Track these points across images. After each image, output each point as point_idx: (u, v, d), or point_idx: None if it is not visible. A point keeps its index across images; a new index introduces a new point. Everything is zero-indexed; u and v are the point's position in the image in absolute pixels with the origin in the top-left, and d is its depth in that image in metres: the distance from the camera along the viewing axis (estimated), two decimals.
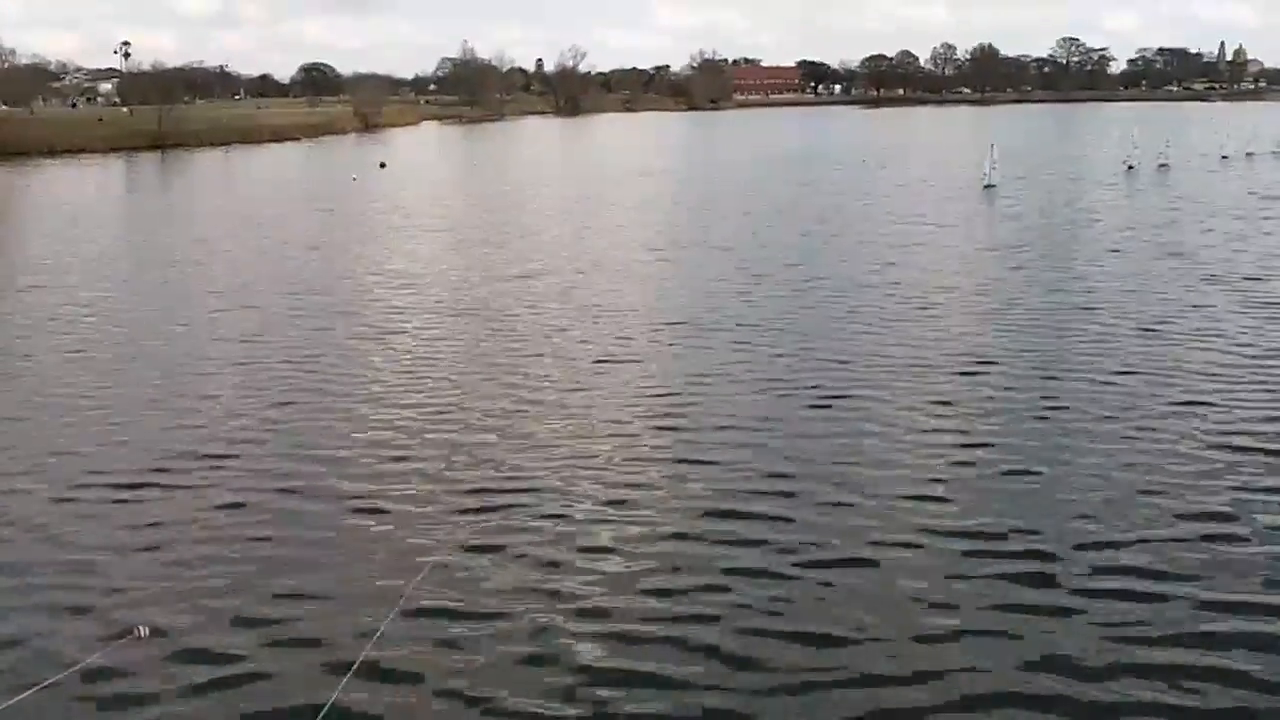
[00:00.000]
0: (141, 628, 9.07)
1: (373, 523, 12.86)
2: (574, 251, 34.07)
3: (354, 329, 23.72)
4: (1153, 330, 21.45)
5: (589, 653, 9.84)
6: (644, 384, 18.51)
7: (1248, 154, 65.86)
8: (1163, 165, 58.11)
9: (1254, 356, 19.13)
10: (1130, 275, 27.45)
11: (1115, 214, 40.32)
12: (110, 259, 36.19)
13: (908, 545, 11.71)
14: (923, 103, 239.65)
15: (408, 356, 21.02)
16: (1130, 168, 57.79)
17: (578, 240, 36.81)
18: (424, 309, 25.70)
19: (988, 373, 18.56)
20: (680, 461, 14.64)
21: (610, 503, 13.23)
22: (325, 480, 14.32)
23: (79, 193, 66.42)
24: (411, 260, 33.84)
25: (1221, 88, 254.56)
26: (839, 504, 12.86)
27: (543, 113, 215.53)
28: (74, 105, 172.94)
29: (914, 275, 28.04)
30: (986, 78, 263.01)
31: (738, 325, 22.49)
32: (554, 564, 11.58)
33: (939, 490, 13.19)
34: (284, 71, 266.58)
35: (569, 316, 24.19)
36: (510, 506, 13.16)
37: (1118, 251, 31.55)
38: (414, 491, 13.77)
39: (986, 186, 49.30)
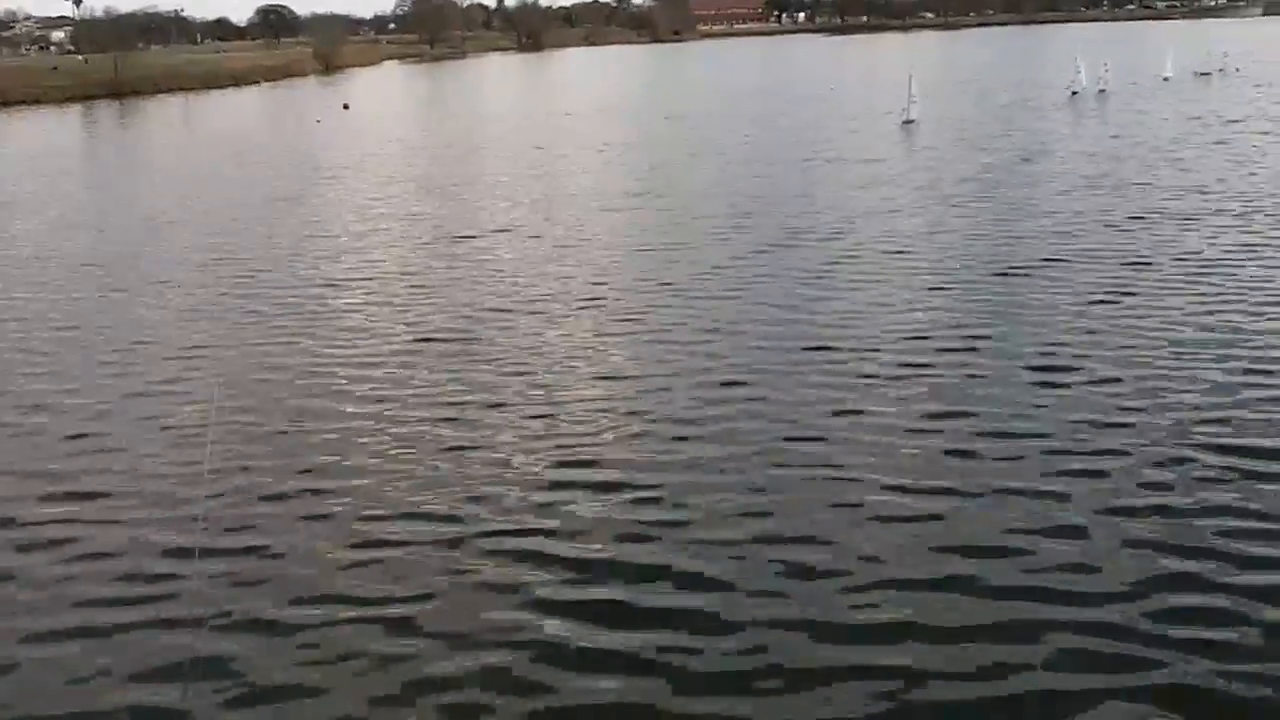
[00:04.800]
0: None
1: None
2: (528, 195, 34.62)
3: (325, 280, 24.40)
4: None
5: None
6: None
7: (1198, 74, 66.28)
8: (1102, 90, 58.22)
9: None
10: (1035, 218, 26.96)
11: (1044, 146, 39.97)
12: (66, 214, 36.64)
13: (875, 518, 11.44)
14: (886, 28, 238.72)
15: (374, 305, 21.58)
16: (1074, 93, 58.18)
17: (535, 184, 37.22)
18: (384, 260, 26.24)
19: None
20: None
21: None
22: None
23: (38, 144, 66.44)
24: (375, 206, 34.40)
25: (1183, 5, 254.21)
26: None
27: (505, 49, 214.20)
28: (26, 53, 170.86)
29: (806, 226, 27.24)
30: (949, 2, 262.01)
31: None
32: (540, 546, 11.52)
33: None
34: (241, 14, 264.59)
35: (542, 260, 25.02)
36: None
37: (1031, 185, 31.36)
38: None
39: (905, 123, 48.02)
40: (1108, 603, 9.60)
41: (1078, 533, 10.81)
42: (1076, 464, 12.33)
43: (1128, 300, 18.92)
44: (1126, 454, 12.52)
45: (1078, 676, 8.64)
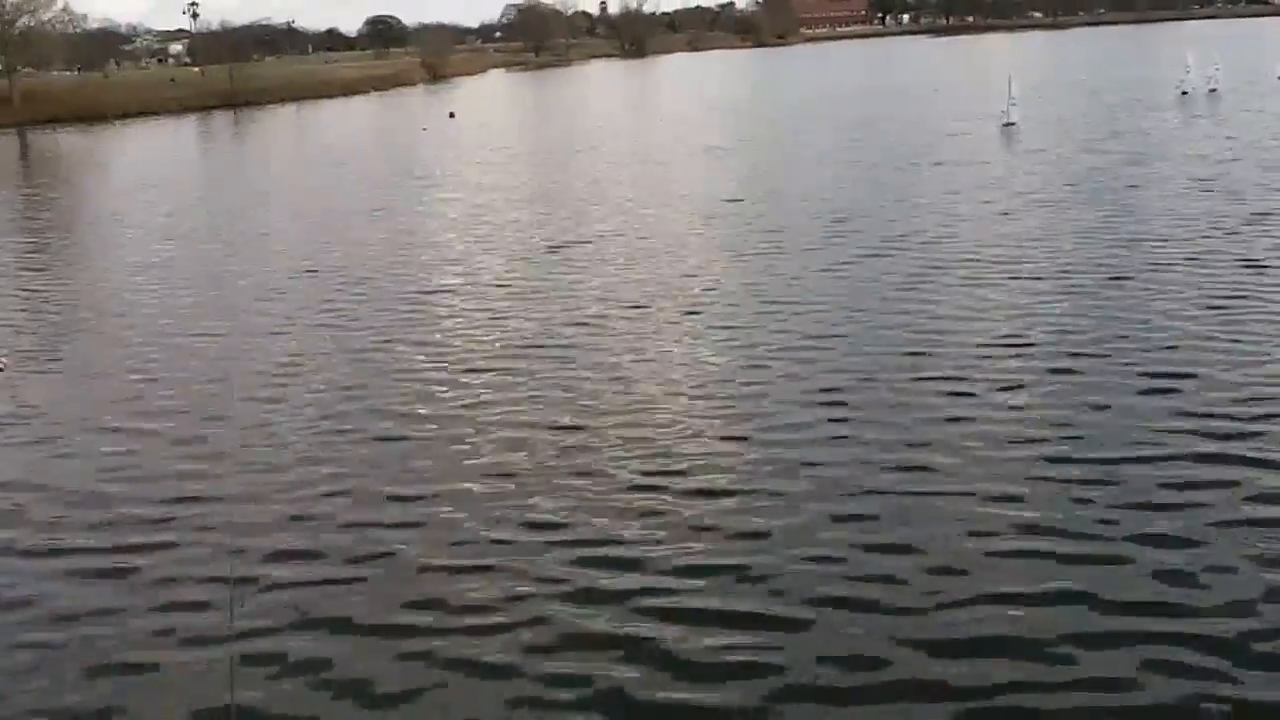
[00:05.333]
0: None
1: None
2: (637, 201, 34.89)
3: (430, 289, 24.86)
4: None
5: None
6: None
7: None
8: (1212, 90, 56.77)
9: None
10: (1144, 222, 26.49)
11: (1151, 147, 39.15)
12: (178, 220, 37.77)
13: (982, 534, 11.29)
14: (992, 29, 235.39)
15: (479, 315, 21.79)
16: (1184, 93, 56.85)
17: (639, 192, 37.45)
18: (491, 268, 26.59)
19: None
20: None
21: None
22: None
23: (157, 154, 68.44)
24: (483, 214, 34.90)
25: None
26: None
27: (608, 56, 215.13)
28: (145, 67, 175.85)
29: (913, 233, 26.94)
30: (1058, 1, 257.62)
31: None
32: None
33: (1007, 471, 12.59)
34: (351, 25, 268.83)
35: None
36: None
37: (1135, 188, 30.76)
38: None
39: (1005, 125, 47.14)
40: (1216, 616, 9.39)
41: (1190, 545, 10.58)
42: (1189, 474, 12.08)
43: (1242, 305, 18.53)
44: (1244, 463, 12.24)
45: (1183, 692, 8.52)
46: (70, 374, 19.12)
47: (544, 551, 11.29)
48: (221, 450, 14.73)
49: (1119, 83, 70.18)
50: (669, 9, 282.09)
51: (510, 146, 57.84)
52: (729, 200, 33.52)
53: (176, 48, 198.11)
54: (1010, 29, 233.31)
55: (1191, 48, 65.22)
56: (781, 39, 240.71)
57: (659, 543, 11.33)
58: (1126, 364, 15.91)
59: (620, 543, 11.39)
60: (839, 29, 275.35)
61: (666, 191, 36.65)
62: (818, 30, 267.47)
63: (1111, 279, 20.90)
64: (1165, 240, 24.02)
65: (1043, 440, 13.32)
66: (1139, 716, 8.36)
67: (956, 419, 14.24)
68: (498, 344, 19.25)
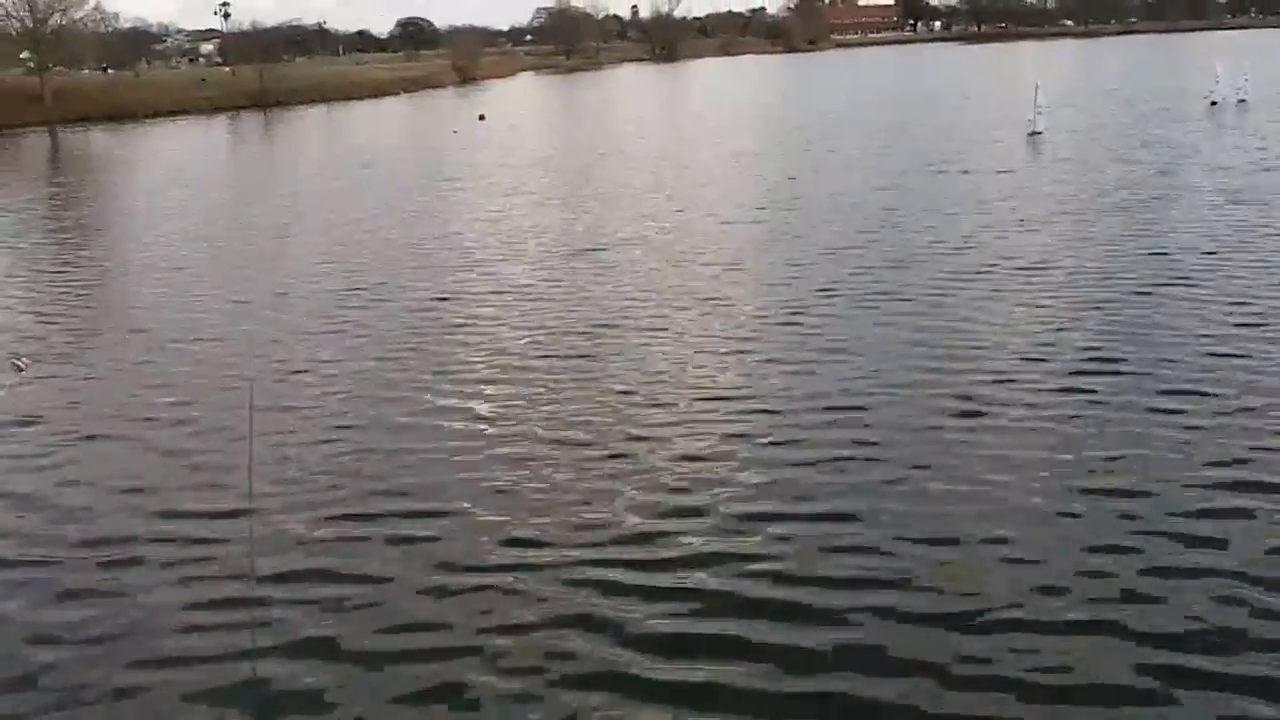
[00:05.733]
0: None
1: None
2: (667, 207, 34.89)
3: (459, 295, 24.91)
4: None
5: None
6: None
7: None
8: (1241, 100, 56.35)
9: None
10: (1168, 234, 26.31)
11: (1178, 158, 38.78)
12: (206, 222, 37.96)
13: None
14: (1023, 37, 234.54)
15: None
16: (1213, 103, 56.48)
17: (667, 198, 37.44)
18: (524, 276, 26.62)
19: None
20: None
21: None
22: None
23: (186, 154, 68.85)
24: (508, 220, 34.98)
25: None
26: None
27: (639, 60, 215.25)
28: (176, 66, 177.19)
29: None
30: (1090, 9, 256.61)
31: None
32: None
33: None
34: (381, 26, 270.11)
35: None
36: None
37: (1161, 199, 30.52)
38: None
39: (1032, 134, 46.86)
40: (1253, 651, 9.18)
41: (1221, 576, 10.31)
42: (1222, 500, 11.79)
43: (1269, 318, 18.38)
44: (1269, 488, 11.98)
45: None
46: (88, 378, 19.08)
47: (538, 570, 11.16)
48: (234, 460, 14.26)
49: (1148, 92, 69.86)
50: (700, 14, 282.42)
51: (539, 149, 57.92)
52: (757, 207, 33.42)
53: (208, 48, 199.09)
54: (1041, 37, 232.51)
55: (1221, 57, 64.74)
56: (812, 45, 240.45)
57: (664, 566, 11.11)
58: (1153, 380, 15.69)
59: (624, 565, 11.18)
60: (870, 35, 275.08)
61: (694, 196, 36.55)
62: (848, 36, 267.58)
63: (1136, 292, 20.67)
64: (1189, 251, 23.84)
65: (1064, 461, 13.10)
66: None
67: (976, 429, 14.13)
68: (515, 351, 19.17)
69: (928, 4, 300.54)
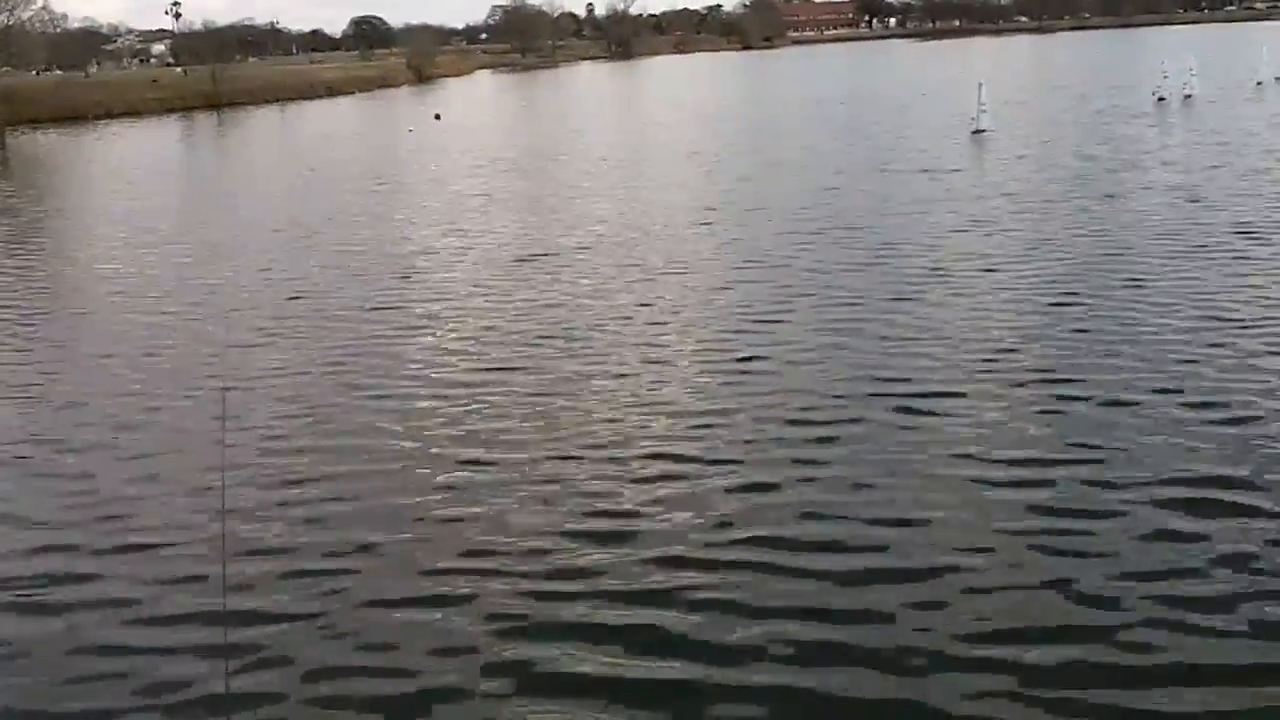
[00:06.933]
0: None
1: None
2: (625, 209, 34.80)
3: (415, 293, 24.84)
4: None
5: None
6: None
7: (1276, 78, 63.57)
8: (1188, 96, 56.76)
9: None
10: (1109, 233, 26.34)
11: (1121, 156, 38.77)
12: (153, 224, 37.60)
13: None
14: (978, 33, 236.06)
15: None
16: (1160, 99, 56.95)
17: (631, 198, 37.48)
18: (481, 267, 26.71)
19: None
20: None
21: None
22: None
23: (134, 156, 68.26)
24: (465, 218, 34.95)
25: None
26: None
27: (595, 58, 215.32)
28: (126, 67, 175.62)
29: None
30: (1044, 5, 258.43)
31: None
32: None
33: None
34: (335, 26, 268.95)
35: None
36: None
37: (1111, 197, 30.55)
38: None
39: (975, 133, 46.69)
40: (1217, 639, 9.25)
41: (1184, 575, 10.29)
42: (1178, 491, 11.89)
43: (1215, 315, 18.43)
44: (1249, 486, 11.99)
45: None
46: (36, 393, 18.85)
47: (490, 592, 10.97)
48: (175, 475, 14.35)
49: (1095, 88, 70.29)
50: (656, 11, 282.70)
51: (494, 149, 57.72)
52: (706, 208, 33.37)
53: (159, 48, 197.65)
54: (996, 33, 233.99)
55: (1171, 53, 65.17)
56: (768, 42, 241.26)
57: (621, 599, 10.63)
58: (1108, 384, 15.51)
59: (561, 598, 10.76)
60: (826, 32, 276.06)
61: (646, 200, 36.46)
62: (805, 33, 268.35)
63: (1068, 293, 20.58)
64: (1127, 249, 23.96)
65: (1019, 457, 13.13)
66: None
67: (929, 435, 14.01)
68: (462, 358, 18.97)
69: (884, 1, 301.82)
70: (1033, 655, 9.21)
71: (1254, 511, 11.39)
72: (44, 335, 22.79)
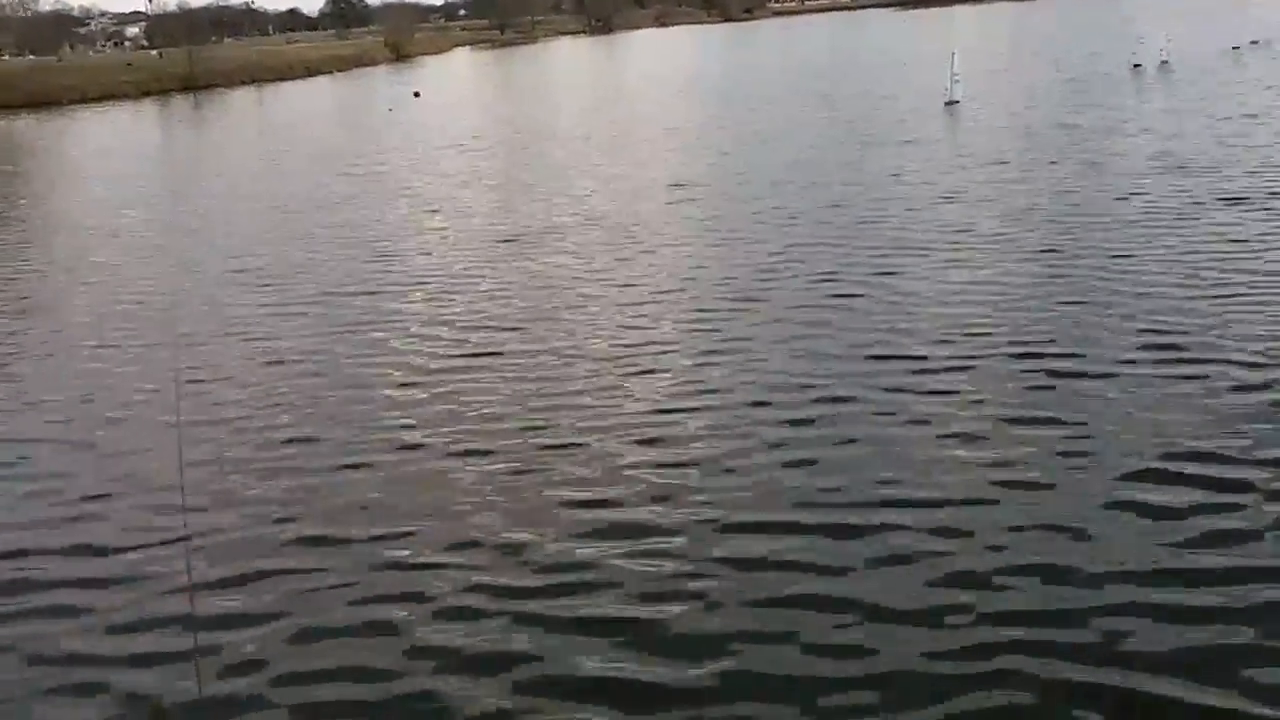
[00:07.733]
0: None
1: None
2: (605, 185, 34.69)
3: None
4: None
5: None
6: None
7: (1251, 42, 63.22)
8: (1164, 62, 56.22)
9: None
10: (1083, 202, 26.22)
11: (1097, 124, 38.42)
12: (130, 208, 37.26)
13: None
14: (961, 1, 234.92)
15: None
16: (1136, 65, 56.50)
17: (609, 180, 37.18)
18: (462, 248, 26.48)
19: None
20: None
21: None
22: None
23: (109, 140, 67.75)
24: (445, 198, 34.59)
25: None
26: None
27: (575, 33, 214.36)
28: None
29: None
30: None
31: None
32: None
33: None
34: (312, 5, 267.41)
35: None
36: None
37: (1097, 166, 30.12)
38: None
39: (948, 104, 46.37)
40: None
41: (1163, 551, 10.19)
42: (1163, 465, 11.73)
43: (1194, 283, 18.19)
44: (1230, 460, 11.81)
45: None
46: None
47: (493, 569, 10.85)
48: (135, 472, 14.11)
49: (1074, 56, 69.72)
50: None
51: (474, 127, 57.33)
52: (681, 185, 33.08)
53: (133, 30, 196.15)
54: (978, 1, 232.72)
55: (1152, 18, 64.65)
56: (749, 13, 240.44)
57: (600, 590, 10.40)
58: (1081, 350, 15.44)
59: (552, 592, 10.53)
60: (807, 3, 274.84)
61: (626, 176, 36.12)
62: (786, 4, 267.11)
63: (1042, 261, 20.47)
64: (1101, 216, 23.72)
65: (1001, 432, 12.98)
66: None
67: (917, 411, 13.80)
68: (438, 343, 18.72)
69: None
70: (1014, 634, 9.08)
71: (1241, 486, 11.23)
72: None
